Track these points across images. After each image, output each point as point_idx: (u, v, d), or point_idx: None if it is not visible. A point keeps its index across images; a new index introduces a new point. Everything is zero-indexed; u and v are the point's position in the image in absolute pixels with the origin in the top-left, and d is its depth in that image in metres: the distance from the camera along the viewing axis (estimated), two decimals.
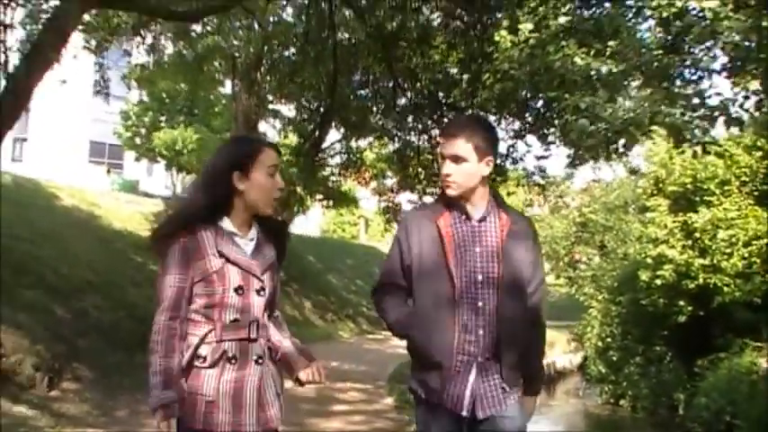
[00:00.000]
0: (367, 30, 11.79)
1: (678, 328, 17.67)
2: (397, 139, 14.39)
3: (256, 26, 14.91)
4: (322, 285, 25.26)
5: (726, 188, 16.76)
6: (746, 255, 15.95)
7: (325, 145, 18.89)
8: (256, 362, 2.89)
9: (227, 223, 2.93)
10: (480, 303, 3.09)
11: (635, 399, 18.69)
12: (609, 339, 20.18)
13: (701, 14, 5.97)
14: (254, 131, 20.16)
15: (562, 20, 6.40)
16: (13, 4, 9.68)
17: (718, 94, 5.91)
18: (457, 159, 3.11)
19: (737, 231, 16.08)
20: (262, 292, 2.93)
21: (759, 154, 16.64)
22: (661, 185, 18.41)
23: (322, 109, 15.16)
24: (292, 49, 15.06)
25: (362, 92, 12.90)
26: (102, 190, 24.75)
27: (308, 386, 9.55)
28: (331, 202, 23.88)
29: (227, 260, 2.85)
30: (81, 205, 18.82)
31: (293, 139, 19.08)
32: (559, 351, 22.99)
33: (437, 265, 3.11)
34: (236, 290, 2.85)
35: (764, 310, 15.87)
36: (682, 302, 16.99)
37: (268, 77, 18.12)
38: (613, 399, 19.47)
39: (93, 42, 13.58)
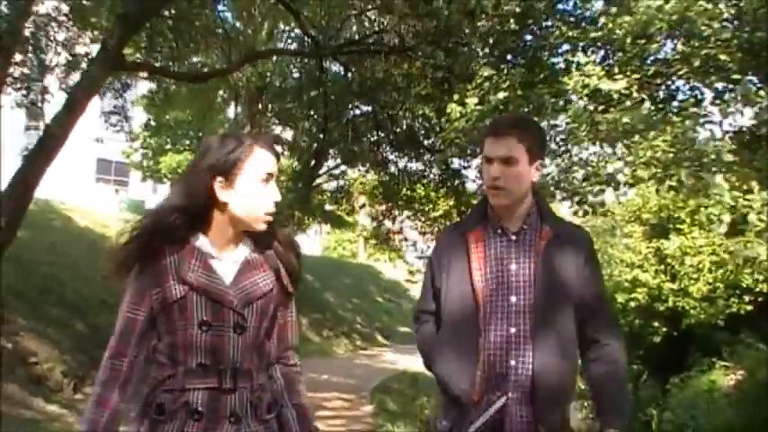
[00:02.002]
0: (352, 80, 13.83)
1: (654, 347, 19.37)
2: (382, 173, 16.42)
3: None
4: (319, 303, 27.10)
5: (695, 217, 18.39)
6: (711, 280, 17.78)
7: (321, 171, 20.95)
8: (230, 420, 2.33)
9: (202, 241, 2.39)
10: (513, 329, 2.67)
11: None
12: None
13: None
14: None
15: (501, 95, 8.21)
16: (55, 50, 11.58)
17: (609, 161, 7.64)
18: (508, 161, 2.72)
19: (703, 258, 17.93)
20: (240, 330, 2.35)
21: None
22: (638, 213, 20.32)
23: (315, 145, 17.23)
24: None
25: (350, 132, 14.92)
26: (111, 210, 26.72)
27: None
28: (327, 225, 25.86)
29: (192, 288, 2.32)
30: (94, 227, 20.74)
31: (292, 163, 21.10)
32: None
33: (462, 287, 2.74)
34: (200, 326, 2.31)
35: (727, 332, 17.63)
36: (656, 323, 18.88)
37: (269, 105, 20.17)
38: (592, 414, 21.06)
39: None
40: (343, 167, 19.72)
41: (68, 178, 30.05)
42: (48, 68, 11.21)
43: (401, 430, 10.46)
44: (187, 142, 25.17)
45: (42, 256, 14.62)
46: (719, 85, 7.43)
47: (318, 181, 21.26)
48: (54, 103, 12.16)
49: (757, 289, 17.20)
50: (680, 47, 7.67)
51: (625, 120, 6.65)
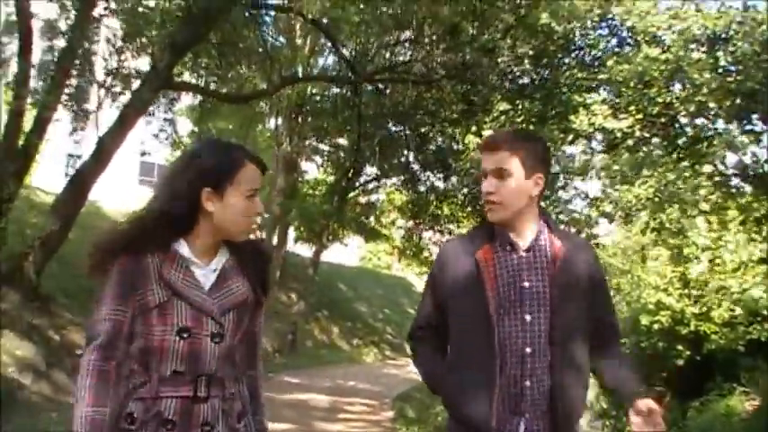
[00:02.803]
0: (385, 104, 14.90)
1: (677, 370, 19.87)
2: (411, 190, 17.43)
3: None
4: (351, 313, 28.12)
5: (719, 243, 18.94)
6: (732, 306, 18.36)
7: (357, 184, 22.07)
8: (203, 429, 2.33)
9: (182, 247, 2.40)
10: (529, 350, 2.62)
11: None
12: None
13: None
14: (295, 169, 23.36)
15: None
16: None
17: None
18: (500, 174, 2.68)
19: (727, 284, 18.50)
20: (218, 339, 2.36)
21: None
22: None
23: (350, 160, 18.36)
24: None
25: (380, 151, 16.02)
26: None
27: (321, 397, 13.01)
28: (362, 237, 26.95)
29: (174, 293, 2.33)
30: None
31: (328, 176, 22.23)
32: None
33: (474, 307, 2.65)
34: (179, 332, 2.31)
35: (750, 357, 18.15)
36: (679, 347, 19.46)
37: (309, 119, 21.29)
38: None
39: None
40: (375, 183, 20.85)
41: (113, 180, 31.47)
42: (102, 86, 12.38)
43: None
44: None
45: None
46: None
47: (353, 194, 22.33)
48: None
49: None
50: (677, 92, 8.50)
51: (615, 167, 7.49)
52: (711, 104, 7.92)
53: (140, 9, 12.44)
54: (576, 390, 2.67)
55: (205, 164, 2.40)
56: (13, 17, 12.94)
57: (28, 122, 11.66)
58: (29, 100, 11.73)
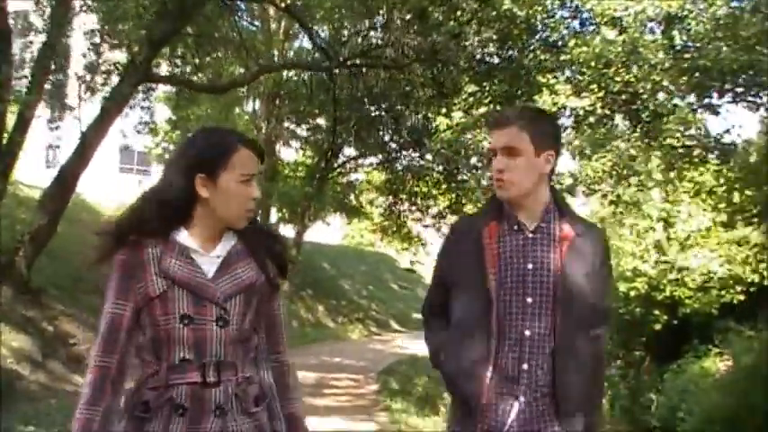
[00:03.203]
0: (359, 87, 15.42)
1: (655, 335, 20.42)
2: (387, 170, 18.01)
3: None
4: (335, 290, 28.66)
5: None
6: (706, 271, 19.01)
7: (336, 165, 22.63)
8: (215, 414, 2.37)
9: (183, 236, 2.43)
10: (528, 332, 2.60)
11: (614, 399, 21.46)
12: None
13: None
14: (274, 152, 23.79)
15: (483, 109, 9.61)
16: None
17: None
18: (510, 152, 2.64)
19: (700, 250, 19.14)
20: (223, 323, 2.38)
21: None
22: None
23: (325, 145, 18.91)
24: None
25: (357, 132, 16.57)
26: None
27: (308, 374, 13.57)
28: (344, 215, 27.52)
29: (174, 282, 2.37)
30: None
31: (307, 159, 22.75)
32: None
33: (474, 285, 2.65)
34: (182, 319, 2.35)
35: (724, 320, 18.79)
36: (656, 312, 20.11)
37: (286, 102, 21.72)
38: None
39: None
40: (354, 163, 21.48)
41: (94, 169, 31.62)
42: (82, 81, 12.76)
43: (397, 405, 11.98)
44: None
45: (75, 248, 16.24)
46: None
47: (332, 175, 22.88)
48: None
49: (749, 280, 18.34)
50: (635, 71, 9.04)
51: (576, 142, 8.03)
52: (665, 82, 8.44)
53: (116, 2, 12.80)
54: (577, 376, 2.60)
55: (198, 150, 2.42)
56: None
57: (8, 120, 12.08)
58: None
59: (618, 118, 9.33)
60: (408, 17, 12.31)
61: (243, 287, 2.43)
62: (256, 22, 17.00)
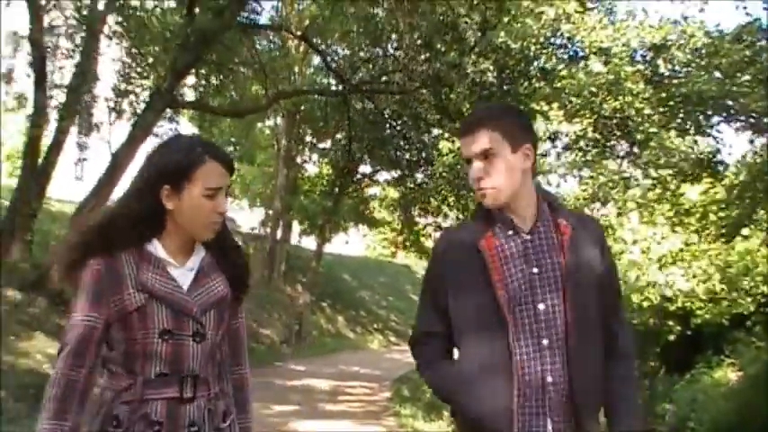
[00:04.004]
0: (372, 110, 16.58)
1: (669, 345, 21.07)
2: (401, 187, 19.15)
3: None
4: (355, 301, 29.72)
5: (704, 222, 20.15)
6: (717, 282, 19.68)
7: (354, 178, 23.82)
8: (190, 430, 2.34)
9: (156, 247, 2.38)
10: (546, 341, 2.44)
11: None
12: None
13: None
14: (294, 164, 24.99)
15: None
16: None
17: None
18: (486, 156, 2.49)
19: (710, 261, 19.83)
20: (199, 338, 2.36)
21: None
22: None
23: (341, 163, 20.17)
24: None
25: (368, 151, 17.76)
26: None
27: (324, 382, 14.76)
28: (364, 226, 28.72)
29: (152, 296, 2.31)
30: None
31: (327, 172, 23.99)
32: None
33: (483, 302, 2.46)
34: (161, 335, 2.30)
35: (735, 330, 19.40)
36: (670, 322, 20.80)
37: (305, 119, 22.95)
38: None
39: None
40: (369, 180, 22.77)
41: (125, 184, 32.91)
42: (112, 109, 13.97)
43: (406, 411, 12.91)
44: (230, 149, 27.98)
45: None
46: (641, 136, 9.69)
47: (349, 190, 24.05)
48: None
49: (758, 291, 18.98)
50: (616, 104, 9.98)
51: (560, 170, 8.94)
52: (647, 111, 9.32)
53: (146, 25, 14.00)
54: (596, 380, 2.48)
55: (164, 161, 2.37)
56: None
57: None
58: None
59: (612, 141, 10.22)
60: (416, 44, 13.32)
61: (216, 300, 2.43)
62: (275, 44, 18.11)
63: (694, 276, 13.56)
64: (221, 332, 2.47)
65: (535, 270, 2.48)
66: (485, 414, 2.46)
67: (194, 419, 2.35)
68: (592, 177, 9.11)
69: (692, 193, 18.44)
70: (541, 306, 2.45)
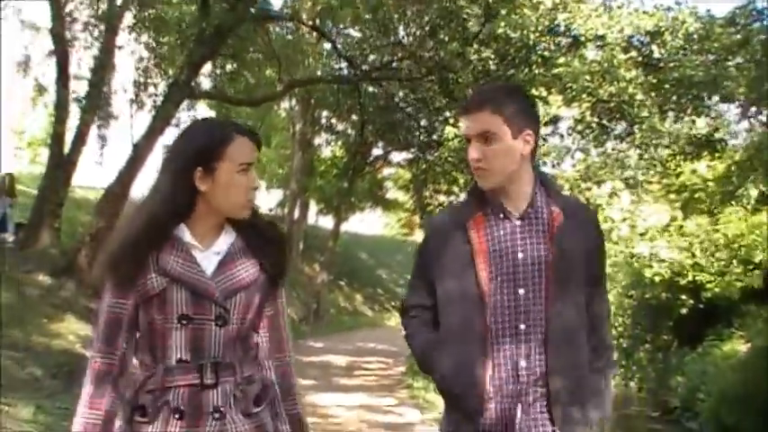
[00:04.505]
0: (382, 95, 17.36)
1: (682, 318, 21.38)
2: (414, 169, 19.94)
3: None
4: (372, 280, 30.47)
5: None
6: (725, 256, 20.14)
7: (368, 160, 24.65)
8: (214, 416, 2.31)
9: (182, 232, 2.36)
10: (523, 326, 2.46)
11: (642, 381, 22.45)
12: (621, 329, 24.01)
13: None
14: (310, 146, 25.73)
15: None
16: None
17: None
18: (485, 137, 2.47)
19: (719, 236, 20.30)
20: (222, 322, 2.32)
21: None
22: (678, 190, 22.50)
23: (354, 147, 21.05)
24: None
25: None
26: None
27: (341, 357, 15.60)
28: (379, 207, 29.60)
29: (172, 279, 2.29)
30: None
31: (343, 155, 24.85)
32: None
33: (465, 282, 2.49)
34: (179, 319, 2.29)
35: (745, 304, 19.81)
36: (683, 296, 21.25)
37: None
38: (624, 381, 23.07)
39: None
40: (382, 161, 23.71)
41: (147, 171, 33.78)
42: (132, 101, 14.83)
43: (418, 384, 13.65)
44: None
45: None
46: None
47: (363, 172, 24.88)
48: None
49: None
50: (611, 89, 10.60)
51: (552, 153, 9.60)
52: (639, 96, 9.92)
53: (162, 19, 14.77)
54: (576, 371, 2.49)
55: (193, 143, 2.36)
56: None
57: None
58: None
59: (611, 123, 10.82)
60: (422, 32, 13.99)
61: (243, 285, 2.37)
62: (288, 30, 18.79)
63: (677, 247, 14.09)
64: (250, 317, 2.41)
65: (520, 255, 2.49)
66: (458, 393, 2.51)
67: (218, 405, 2.31)
68: (585, 159, 9.76)
69: (702, 167, 18.82)
70: (521, 291, 2.47)
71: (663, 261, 20.92)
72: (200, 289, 2.29)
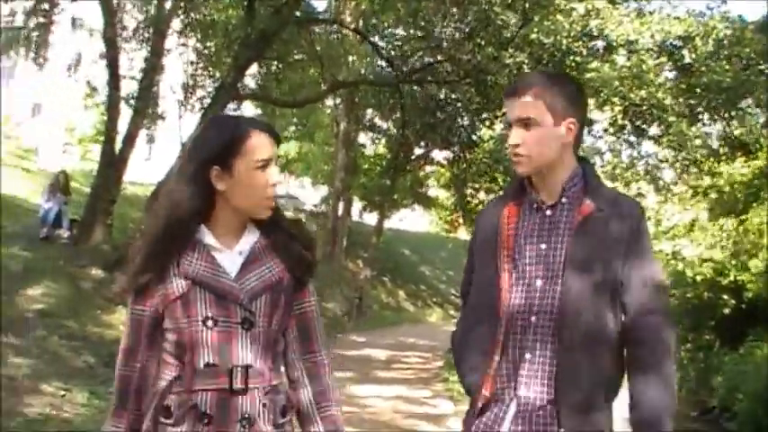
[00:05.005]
0: (422, 97, 17.95)
1: (725, 318, 21.54)
2: (454, 168, 20.56)
3: None
4: (415, 276, 30.96)
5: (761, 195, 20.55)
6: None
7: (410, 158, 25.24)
8: (242, 424, 2.26)
9: (204, 233, 2.32)
10: (534, 318, 2.40)
11: (682, 380, 22.62)
12: None
13: None
14: (352, 145, 26.36)
15: None
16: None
17: None
18: (526, 123, 2.43)
19: (762, 237, 20.37)
20: (248, 325, 2.29)
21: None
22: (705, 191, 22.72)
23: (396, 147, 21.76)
24: None
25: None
26: None
27: (382, 352, 16.31)
28: (420, 205, 30.23)
29: (194, 282, 2.26)
30: None
31: (386, 153, 25.52)
32: None
33: (488, 271, 2.48)
34: (204, 322, 2.25)
35: None
36: (725, 296, 21.36)
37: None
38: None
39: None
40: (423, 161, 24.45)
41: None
42: (181, 104, 15.58)
43: (454, 377, 14.06)
44: (292, 129, 29.51)
45: None
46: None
47: (405, 171, 25.48)
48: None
49: None
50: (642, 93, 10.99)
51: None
52: (668, 101, 10.28)
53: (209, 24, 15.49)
54: (589, 373, 2.35)
55: (208, 141, 2.31)
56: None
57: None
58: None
59: (644, 126, 11.22)
60: (460, 35, 14.52)
61: (268, 286, 2.33)
62: (332, 31, 19.42)
63: (699, 245, 14.40)
64: (278, 319, 2.36)
65: (543, 246, 2.43)
66: (465, 376, 2.51)
67: (248, 412, 2.26)
68: (612, 161, 10.21)
69: (738, 167, 18.89)
70: (539, 283, 2.41)
71: (706, 261, 21.16)
72: (223, 291, 2.27)
